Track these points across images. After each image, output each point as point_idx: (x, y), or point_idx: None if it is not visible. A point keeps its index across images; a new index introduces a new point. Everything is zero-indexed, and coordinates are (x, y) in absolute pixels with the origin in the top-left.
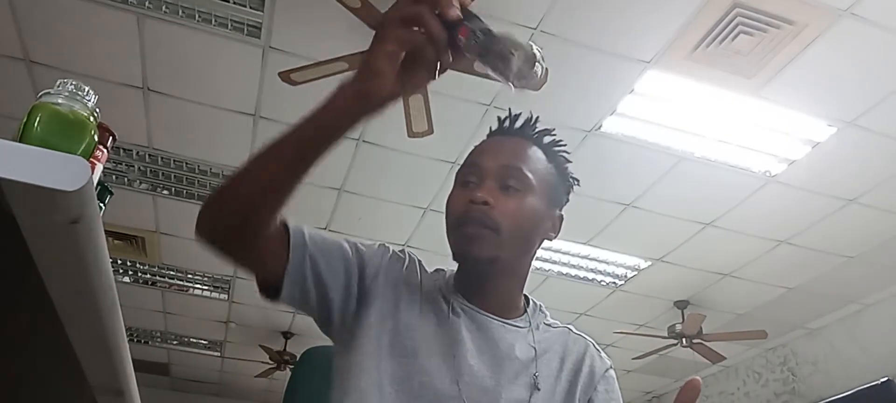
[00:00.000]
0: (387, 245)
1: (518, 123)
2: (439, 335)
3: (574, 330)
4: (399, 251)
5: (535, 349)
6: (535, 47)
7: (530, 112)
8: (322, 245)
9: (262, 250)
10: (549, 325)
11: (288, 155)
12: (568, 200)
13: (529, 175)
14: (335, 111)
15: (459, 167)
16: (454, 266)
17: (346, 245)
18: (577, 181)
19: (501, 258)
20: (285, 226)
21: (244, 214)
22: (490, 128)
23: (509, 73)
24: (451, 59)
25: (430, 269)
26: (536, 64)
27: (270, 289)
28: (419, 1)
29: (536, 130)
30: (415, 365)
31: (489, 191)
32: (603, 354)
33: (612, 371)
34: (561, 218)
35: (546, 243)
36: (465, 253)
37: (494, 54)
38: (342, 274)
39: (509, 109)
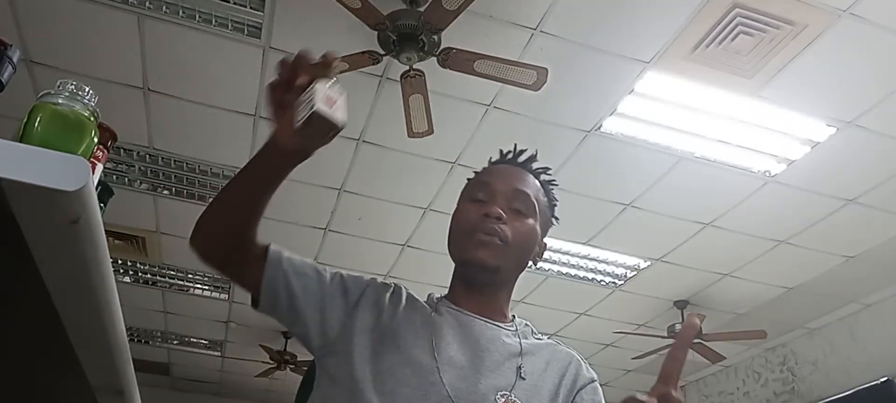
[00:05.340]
0: (374, 276)
1: (523, 157)
2: (421, 332)
3: (560, 344)
4: (384, 281)
5: (520, 346)
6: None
7: (534, 150)
8: (298, 268)
9: (244, 266)
10: (537, 339)
11: (244, 189)
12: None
13: (534, 201)
14: (262, 156)
15: (467, 185)
16: (444, 291)
17: (325, 272)
18: (558, 220)
19: (503, 269)
20: (266, 250)
21: (223, 232)
22: (490, 158)
23: None
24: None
25: (422, 296)
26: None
27: (254, 301)
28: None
29: (536, 166)
30: (397, 357)
31: (501, 209)
32: (588, 366)
33: (596, 384)
34: (545, 246)
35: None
36: (473, 257)
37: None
38: (317, 294)
39: (515, 146)
